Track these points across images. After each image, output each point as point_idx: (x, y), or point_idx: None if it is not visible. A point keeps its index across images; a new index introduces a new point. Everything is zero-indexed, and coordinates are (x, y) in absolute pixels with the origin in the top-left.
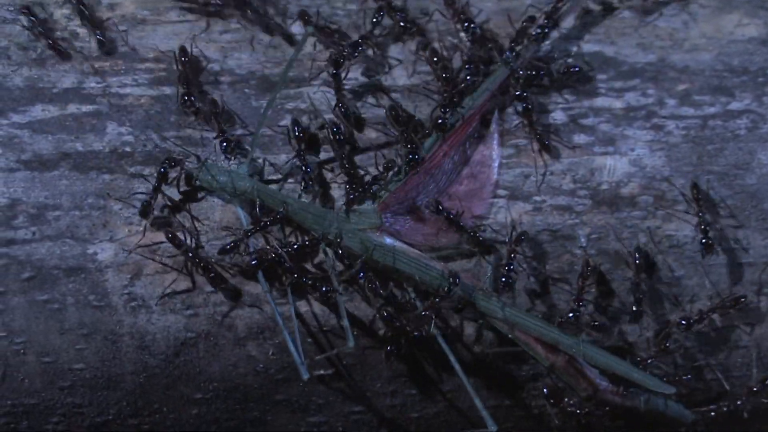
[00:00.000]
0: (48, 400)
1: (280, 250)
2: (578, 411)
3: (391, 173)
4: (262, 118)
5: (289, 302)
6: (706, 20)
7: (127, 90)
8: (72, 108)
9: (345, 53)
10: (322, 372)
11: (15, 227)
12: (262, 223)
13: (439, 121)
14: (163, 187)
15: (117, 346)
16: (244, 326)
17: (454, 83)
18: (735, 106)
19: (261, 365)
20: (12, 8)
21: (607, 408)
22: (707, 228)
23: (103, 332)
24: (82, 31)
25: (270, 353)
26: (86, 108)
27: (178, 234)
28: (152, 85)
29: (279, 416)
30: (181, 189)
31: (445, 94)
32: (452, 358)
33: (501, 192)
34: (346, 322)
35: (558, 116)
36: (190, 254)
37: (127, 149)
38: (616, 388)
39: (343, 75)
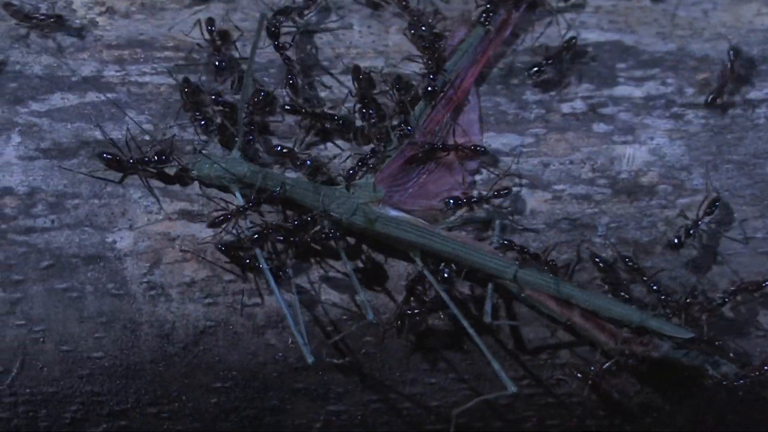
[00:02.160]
0: (67, 388)
1: (278, 221)
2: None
3: (386, 145)
4: (242, 105)
5: (291, 280)
6: (726, 9)
7: (147, 78)
8: (91, 96)
9: (276, 23)
10: (336, 360)
11: (34, 215)
12: (254, 200)
13: (428, 88)
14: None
15: (136, 335)
16: (263, 315)
17: (435, 49)
18: (754, 95)
19: (280, 354)
20: None
21: (632, 360)
22: (690, 233)
23: (122, 321)
24: (102, 20)
25: (289, 342)
26: (105, 96)
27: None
28: (172, 73)
29: (298, 405)
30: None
31: (429, 61)
32: (465, 323)
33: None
34: (362, 296)
35: (577, 105)
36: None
37: (147, 137)
38: (638, 338)
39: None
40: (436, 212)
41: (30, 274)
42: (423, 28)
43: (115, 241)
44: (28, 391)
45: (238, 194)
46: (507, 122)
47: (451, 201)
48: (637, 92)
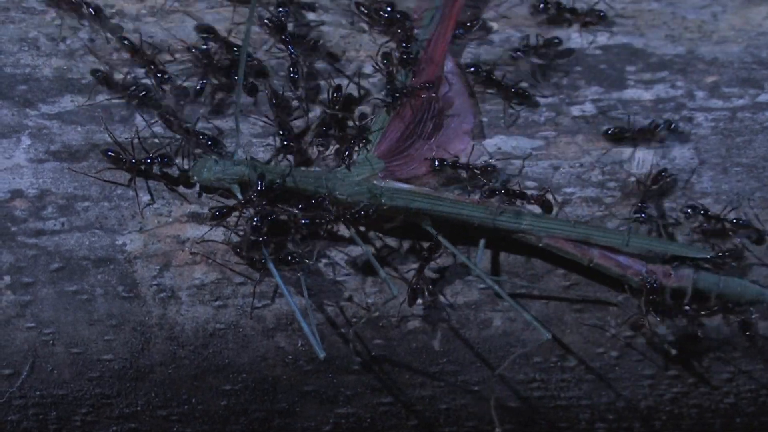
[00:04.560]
0: (77, 391)
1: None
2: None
3: (376, 118)
4: (238, 99)
5: (301, 277)
6: (735, 12)
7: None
8: (101, 99)
9: (282, 16)
10: (353, 356)
11: (44, 218)
12: (255, 193)
13: (404, 56)
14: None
15: (146, 337)
16: (272, 317)
17: (404, 18)
18: (764, 98)
19: (290, 356)
20: None
21: (659, 296)
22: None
23: (132, 323)
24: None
25: (299, 344)
26: (115, 99)
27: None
28: (181, 76)
29: (307, 407)
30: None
31: (399, 30)
32: (490, 281)
33: (530, 183)
34: (383, 274)
35: (587, 108)
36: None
37: (156, 140)
38: (664, 269)
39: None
40: (436, 180)
41: (40, 277)
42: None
43: (125, 244)
44: (38, 393)
45: (238, 194)
46: (517, 125)
47: (437, 162)
48: (647, 95)
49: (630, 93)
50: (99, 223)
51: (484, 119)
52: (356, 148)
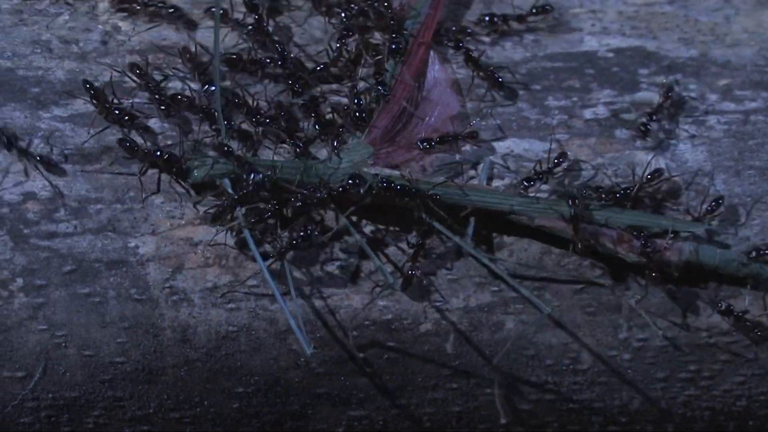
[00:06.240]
0: (89, 393)
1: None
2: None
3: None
4: (218, 92)
5: (286, 271)
6: (748, 15)
7: (169, 83)
8: (114, 101)
9: None
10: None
11: (56, 220)
12: (248, 188)
13: (393, 46)
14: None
15: (158, 340)
16: (285, 320)
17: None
18: None
19: (302, 359)
20: (54, 1)
21: (657, 267)
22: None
23: (144, 325)
24: (124, 25)
25: (311, 347)
26: (128, 102)
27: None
28: (194, 79)
29: (320, 410)
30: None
31: (391, 22)
32: (486, 261)
33: (544, 187)
34: (377, 262)
35: (600, 111)
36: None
37: (170, 142)
38: (661, 242)
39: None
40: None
41: (53, 279)
42: None
43: (137, 246)
44: (50, 396)
45: (229, 188)
46: (529, 128)
47: (425, 142)
48: (659, 98)
49: (643, 95)
50: (112, 225)
51: (496, 121)
52: (346, 135)
